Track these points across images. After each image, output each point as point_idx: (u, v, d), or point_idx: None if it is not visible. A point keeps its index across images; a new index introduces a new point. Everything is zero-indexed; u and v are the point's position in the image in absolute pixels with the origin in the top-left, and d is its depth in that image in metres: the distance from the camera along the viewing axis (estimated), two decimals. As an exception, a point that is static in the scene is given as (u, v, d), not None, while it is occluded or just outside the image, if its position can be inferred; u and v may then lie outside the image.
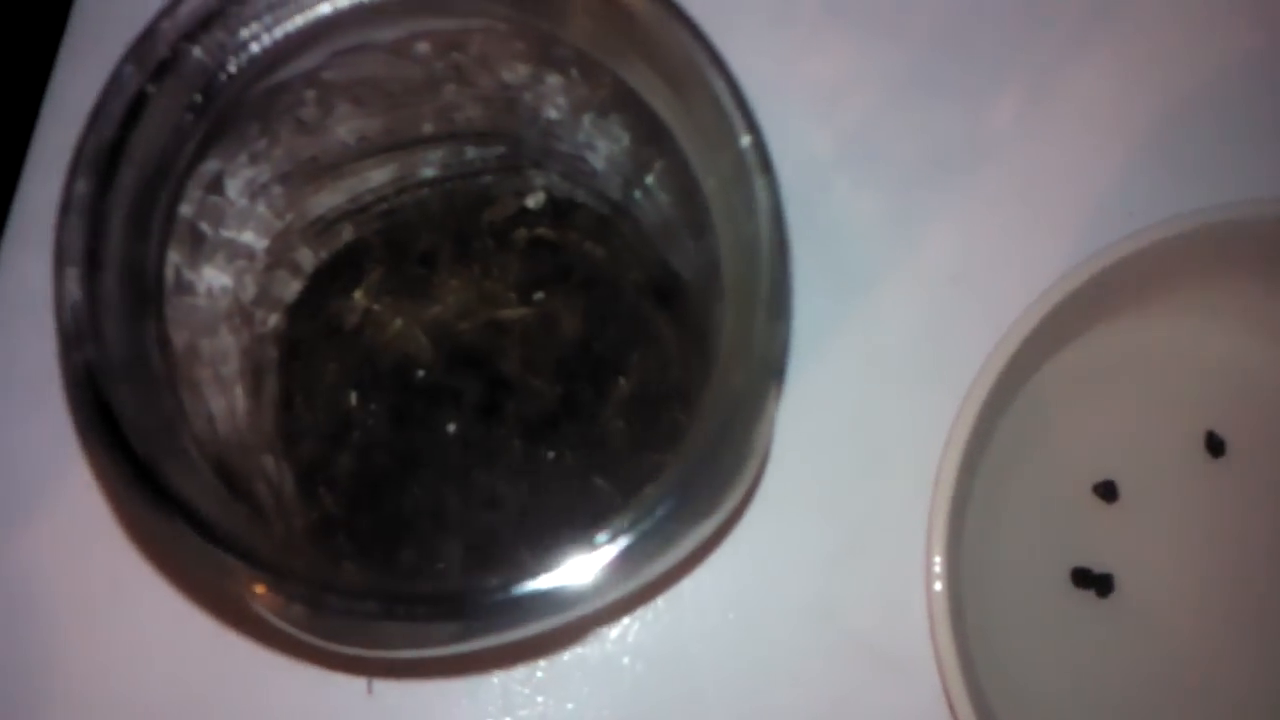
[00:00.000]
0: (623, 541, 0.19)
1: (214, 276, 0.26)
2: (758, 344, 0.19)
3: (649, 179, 0.26)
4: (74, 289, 0.18)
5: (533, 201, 0.32)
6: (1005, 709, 0.32)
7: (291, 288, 0.31)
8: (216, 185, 0.24)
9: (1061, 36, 0.37)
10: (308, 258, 0.30)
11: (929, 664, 0.33)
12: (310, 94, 0.24)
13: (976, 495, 0.34)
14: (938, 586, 0.30)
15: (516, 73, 0.25)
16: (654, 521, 0.19)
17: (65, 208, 0.18)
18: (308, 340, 0.31)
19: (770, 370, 0.19)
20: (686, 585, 0.34)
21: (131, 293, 0.19)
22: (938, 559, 0.31)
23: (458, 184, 0.31)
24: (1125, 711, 0.34)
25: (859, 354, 0.36)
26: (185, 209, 0.23)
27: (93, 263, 0.18)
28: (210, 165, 0.24)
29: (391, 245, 0.32)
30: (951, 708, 0.30)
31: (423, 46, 0.24)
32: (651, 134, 0.23)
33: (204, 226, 0.24)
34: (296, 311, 0.31)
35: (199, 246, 0.24)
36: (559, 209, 0.32)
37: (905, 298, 0.36)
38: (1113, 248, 0.31)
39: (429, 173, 0.30)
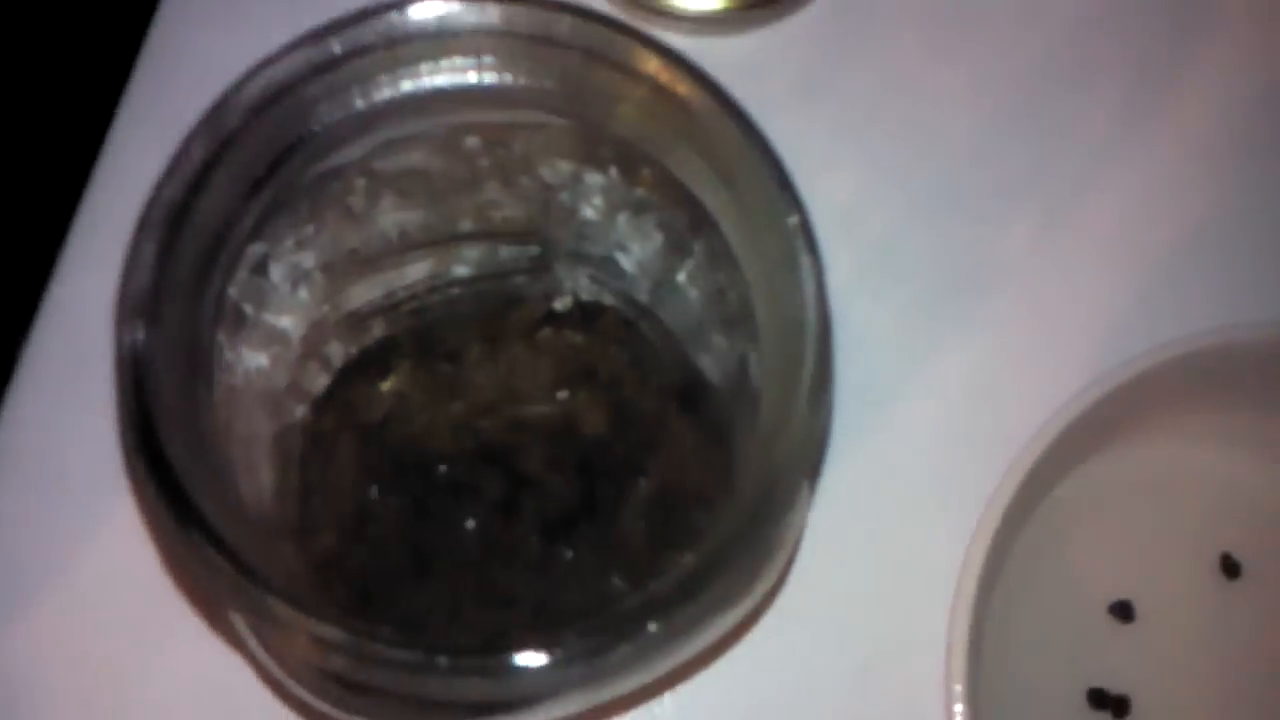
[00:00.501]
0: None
1: (251, 358, 0.26)
2: (798, 431, 0.19)
3: (680, 277, 0.27)
4: (138, 334, 0.18)
5: (560, 305, 0.33)
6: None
7: (319, 381, 0.31)
8: (262, 268, 0.25)
9: (1082, 158, 0.38)
10: (338, 352, 0.31)
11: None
12: (360, 182, 0.25)
13: (992, 614, 0.34)
14: (958, 709, 0.30)
15: (557, 170, 0.26)
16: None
17: (130, 264, 0.19)
18: (329, 434, 0.32)
19: (809, 457, 0.19)
20: (694, 687, 0.34)
21: (185, 359, 0.20)
22: (958, 686, 0.30)
23: (489, 284, 0.32)
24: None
25: (876, 470, 0.36)
26: (231, 289, 0.24)
27: (154, 317, 0.18)
28: (258, 247, 0.24)
29: (420, 342, 0.32)
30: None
31: (472, 140, 0.25)
32: (691, 224, 0.24)
33: (247, 307, 0.25)
34: (321, 405, 0.32)
35: (240, 326, 0.25)
36: (586, 312, 0.32)
37: (922, 414, 0.36)
38: (1119, 370, 0.32)
39: (462, 272, 0.31)
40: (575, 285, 0.32)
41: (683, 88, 0.20)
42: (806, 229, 0.20)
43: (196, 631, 0.33)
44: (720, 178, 0.21)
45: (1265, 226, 0.38)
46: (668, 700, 0.34)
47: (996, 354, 0.37)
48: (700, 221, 0.24)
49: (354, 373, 0.32)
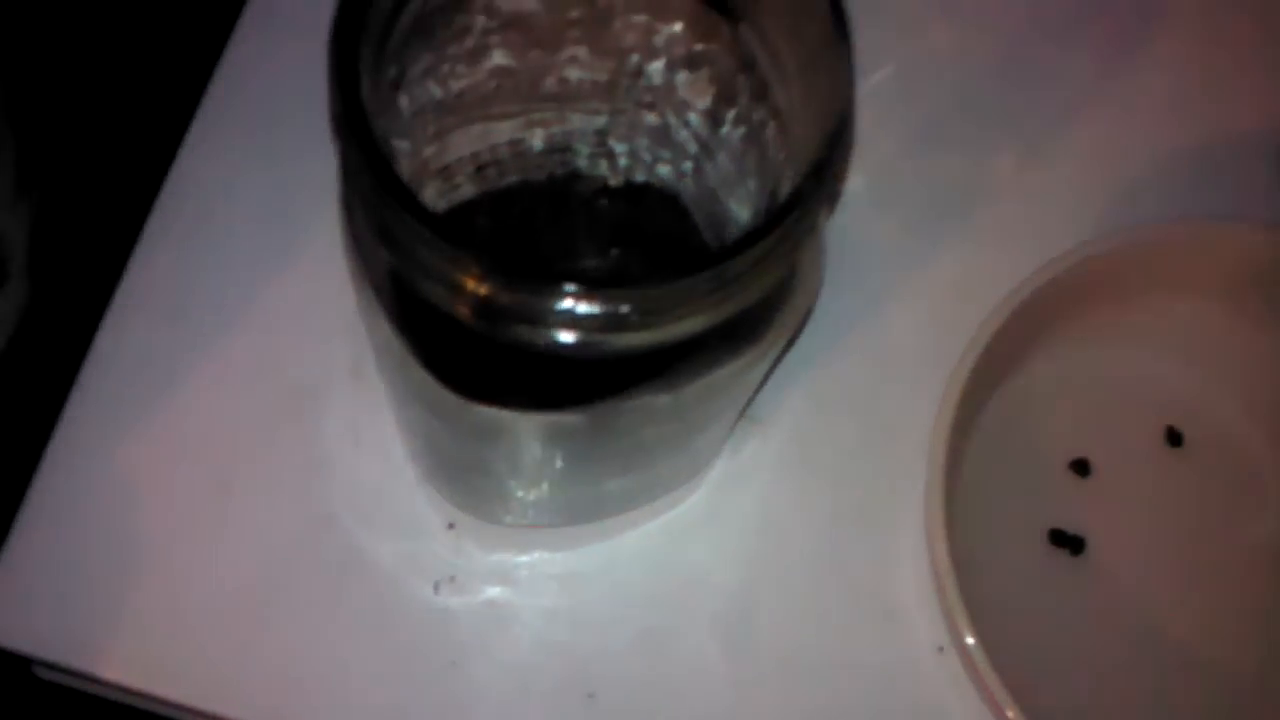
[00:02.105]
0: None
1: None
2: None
3: (724, 129, 0.34)
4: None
5: (614, 182, 0.39)
6: (994, 649, 0.37)
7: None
8: (398, 84, 0.31)
9: (1058, 102, 0.45)
10: (432, 199, 0.37)
11: (920, 610, 0.39)
12: (480, 20, 0.31)
13: (969, 468, 0.40)
14: (940, 546, 0.36)
15: (631, 23, 0.32)
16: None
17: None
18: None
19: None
20: (689, 510, 0.40)
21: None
22: (938, 519, 0.36)
23: (558, 156, 0.38)
24: (1091, 651, 0.39)
25: (871, 348, 0.42)
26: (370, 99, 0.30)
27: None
28: (394, 68, 0.31)
29: (497, 205, 0.38)
30: (960, 651, 0.35)
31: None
32: (740, 64, 0.30)
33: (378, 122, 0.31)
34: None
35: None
36: (633, 189, 0.39)
37: (912, 303, 0.43)
38: (1057, 260, 0.39)
39: (538, 143, 0.37)
40: (631, 161, 0.38)
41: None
42: (839, 8, 0.26)
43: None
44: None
45: (1219, 158, 0.45)
46: (656, 526, 0.39)
47: (974, 259, 0.43)
48: (748, 59, 0.30)
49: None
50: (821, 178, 0.26)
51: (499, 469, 0.35)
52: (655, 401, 0.29)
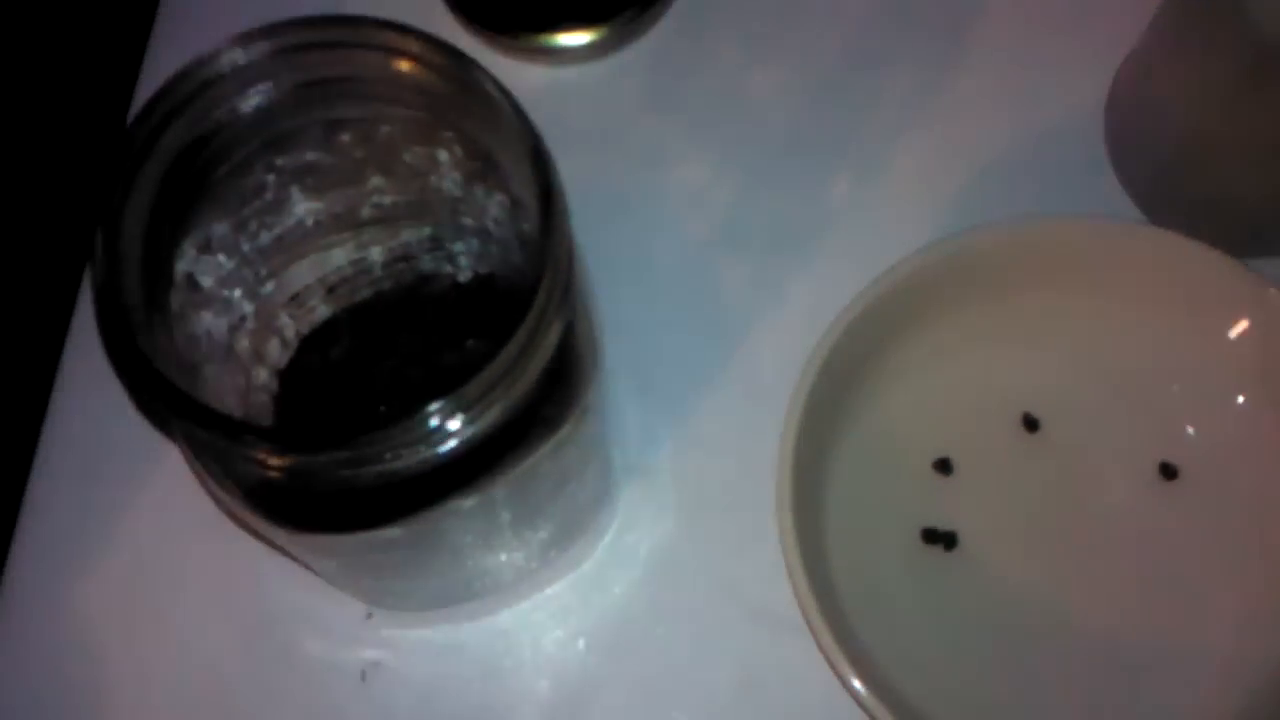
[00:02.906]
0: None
1: (212, 323, 0.36)
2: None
3: (526, 226, 0.36)
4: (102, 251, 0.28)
5: (461, 278, 0.42)
6: (878, 646, 0.39)
7: (283, 356, 0.41)
8: (208, 246, 0.34)
9: (880, 127, 0.48)
10: (289, 327, 0.40)
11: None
12: (270, 178, 0.35)
13: (840, 483, 0.42)
14: (788, 534, 0.38)
15: (416, 155, 0.35)
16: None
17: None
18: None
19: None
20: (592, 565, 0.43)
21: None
22: (787, 508, 0.39)
23: (402, 265, 0.41)
24: (971, 641, 0.41)
25: (737, 384, 0.45)
26: (181, 264, 0.34)
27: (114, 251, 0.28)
28: (203, 229, 0.34)
29: (355, 318, 0.42)
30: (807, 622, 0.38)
31: (345, 135, 0.34)
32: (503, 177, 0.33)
33: (200, 278, 0.35)
34: (287, 375, 0.41)
35: (196, 294, 0.34)
36: (481, 281, 0.42)
37: (768, 337, 0.45)
38: (888, 273, 0.41)
39: (378, 255, 0.41)
40: (470, 257, 0.41)
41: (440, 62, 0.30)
42: (540, 157, 0.29)
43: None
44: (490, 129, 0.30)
45: (1030, 168, 0.47)
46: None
47: (822, 285, 0.45)
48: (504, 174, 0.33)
49: (309, 348, 0.41)
50: (547, 294, 0.29)
51: (370, 573, 0.38)
52: (463, 505, 0.32)
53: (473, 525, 0.35)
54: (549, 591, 0.43)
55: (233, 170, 0.33)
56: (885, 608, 0.41)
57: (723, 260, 0.47)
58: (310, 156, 0.35)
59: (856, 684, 0.37)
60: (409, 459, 0.28)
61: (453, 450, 0.29)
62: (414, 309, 0.42)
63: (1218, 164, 0.42)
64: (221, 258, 0.36)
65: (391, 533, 0.32)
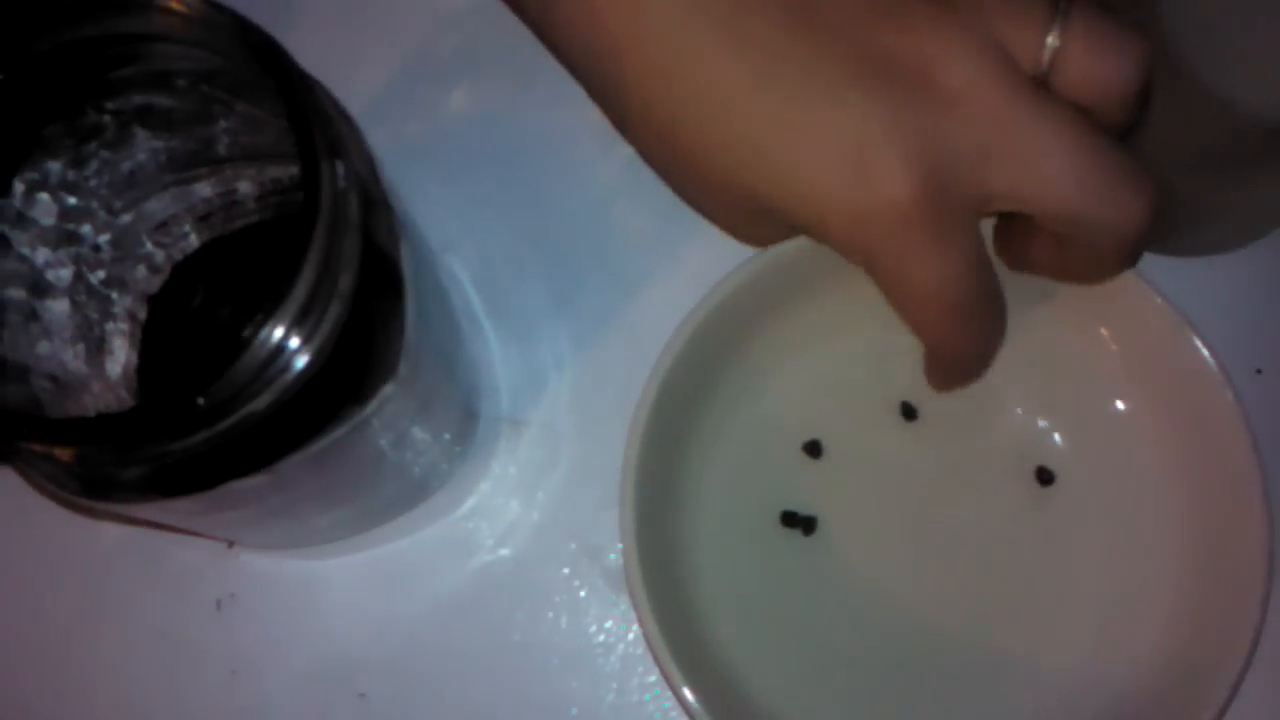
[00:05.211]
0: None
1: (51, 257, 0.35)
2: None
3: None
4: None
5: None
6: (729, 642, 0.39)
7: (154, 280, 0.40)
8: (43, 184, 0.34)
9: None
10: (160, 254, 0.40)
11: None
12: (108, 118, 0.34)
13: (699, 449, 0.41)
14: (628, 512, 0.38)
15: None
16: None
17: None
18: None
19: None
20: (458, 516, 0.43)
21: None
22: (630, 488, 0.38)
23: (277, 199, 0.40)
24: (819, 631, 0.41)
25: (619, 342, 0.44)
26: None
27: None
28: (40, 166, 0.33)
29: (229, 246, 0.41)
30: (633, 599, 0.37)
31: (180, 80, 0.33)
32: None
33: (36, 216, 0.34)
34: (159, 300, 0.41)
35: (29, 230, 0.34)
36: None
37: (660, 296, 0.44)
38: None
39: (247, 188, 0.40)
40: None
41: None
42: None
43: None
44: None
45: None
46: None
47: (720, 242, 0.44)
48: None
49: (184, 272, 0.41)
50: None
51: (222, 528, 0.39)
52: (253, 482, 0.32)
53: (285, 491, 0.35)
54: (416, 537, 0.43)
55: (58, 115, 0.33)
56: (742, 595, 0.41)
57: (622, 209, 0.45)
58: (139, 100, 0.34)
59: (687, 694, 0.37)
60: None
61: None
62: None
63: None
64: (62, 195, 0.35)
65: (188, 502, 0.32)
